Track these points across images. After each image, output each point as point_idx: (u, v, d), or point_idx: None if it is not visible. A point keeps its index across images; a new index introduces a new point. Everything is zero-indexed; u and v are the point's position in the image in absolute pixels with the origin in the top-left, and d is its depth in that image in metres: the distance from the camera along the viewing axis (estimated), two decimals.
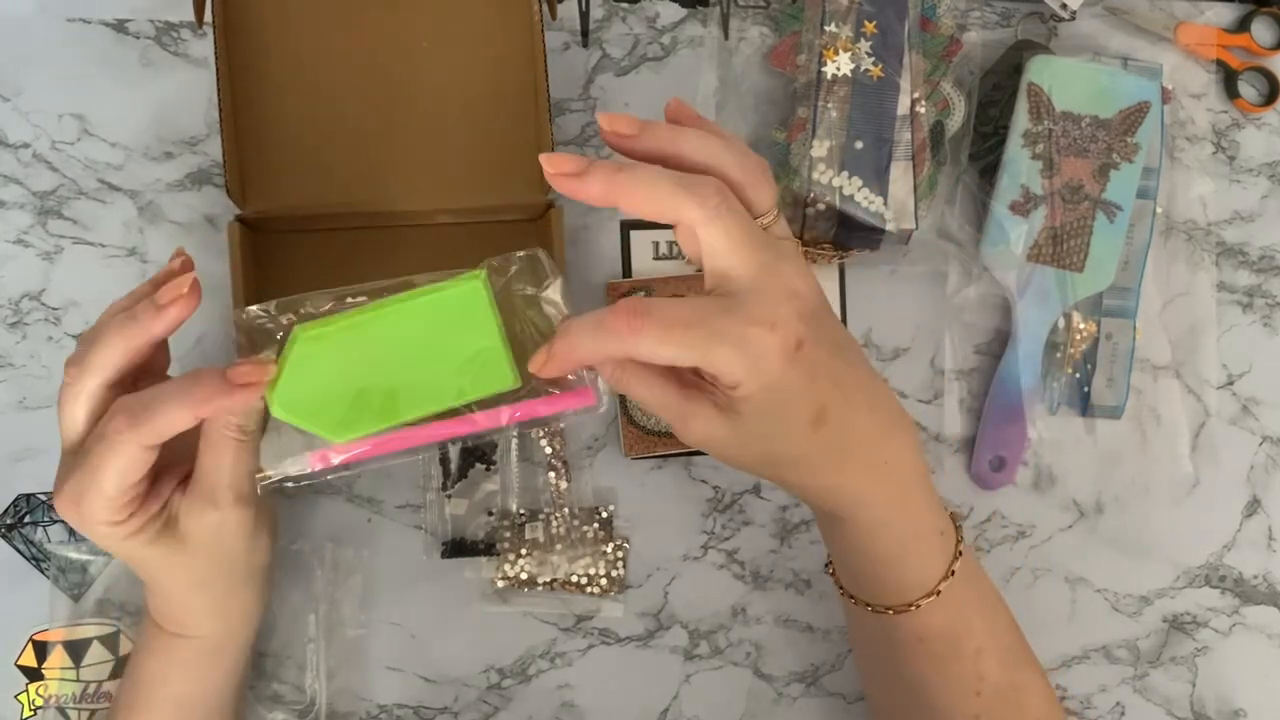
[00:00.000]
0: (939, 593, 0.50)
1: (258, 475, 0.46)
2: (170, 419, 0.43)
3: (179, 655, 0.52)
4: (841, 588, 0.54)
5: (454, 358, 0.45)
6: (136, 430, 0.43)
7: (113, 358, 0.44)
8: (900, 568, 0.50)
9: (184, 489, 0.47)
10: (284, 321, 0.45)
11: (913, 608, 0.50)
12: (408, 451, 0.46)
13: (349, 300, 0.45)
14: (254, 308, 0.45)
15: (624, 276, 0.65)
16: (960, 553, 0.51)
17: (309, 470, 0.45)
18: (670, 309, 0.42)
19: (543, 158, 0.42)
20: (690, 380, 0.45)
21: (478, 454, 0.62)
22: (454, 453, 0.62)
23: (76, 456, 0.45)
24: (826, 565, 0.56)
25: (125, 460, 0.43)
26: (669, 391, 0.45)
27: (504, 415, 0.46)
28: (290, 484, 0.45)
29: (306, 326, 0.44)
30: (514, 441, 0.62)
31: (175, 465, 0.48)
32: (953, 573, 0.50)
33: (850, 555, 0.51)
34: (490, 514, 0.62)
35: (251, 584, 0.53)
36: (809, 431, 0.45)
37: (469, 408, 0.46)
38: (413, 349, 0.45)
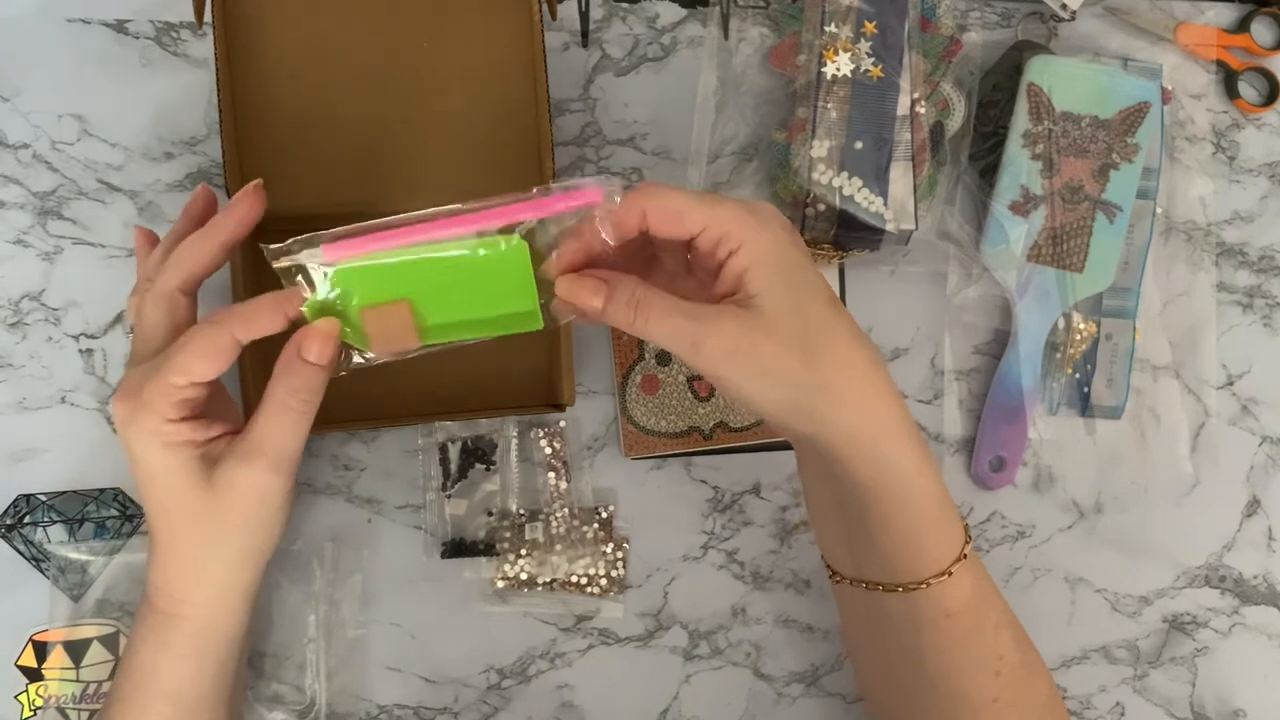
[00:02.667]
0: (965, 557, 0.49)
1: (273, 248, 0.45)
2: (265, 317, 0.46)
3: (169, 640, 0.50)
4: (844, 578, 0.53)
5: (489, 310, 0.46)
6: (231, 317, 0.45)
7: (194, 258, 0.47)
8: (931, 533, 0.49)
9: (232, 439, 0.48)
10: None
11: (946, 575, 0.49)
12: (420, 247, 0.45)
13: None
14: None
15: None
16: (967, 527, 0.50)
17: (323, 260, 0.45)
18: (687, 190, 0.46)
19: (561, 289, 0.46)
20: (701, 303, 0.46)
21: (478, 454, 0.62)
22: (454, 453, 0.62)
23: (150, 362, 0.46)
24: (823, 559, 0.55)
25: (213, 345, 0.45)
26: (683, 315, 0.45)
27: (516, 211, 0.45)
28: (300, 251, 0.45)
29: (341, 263, 0.44)
30: (514, 441, 0.62)
31: (223, 418, 0.49)
32: (969, 540, 0.50)
33: (878, 527, 0.49)
34: (490, 514, 0.62)
35: (252, 565, 0.51)
36: (830, 310, 0.45)
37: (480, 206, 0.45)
38: (448, 294, 0.45)
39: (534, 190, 0.45)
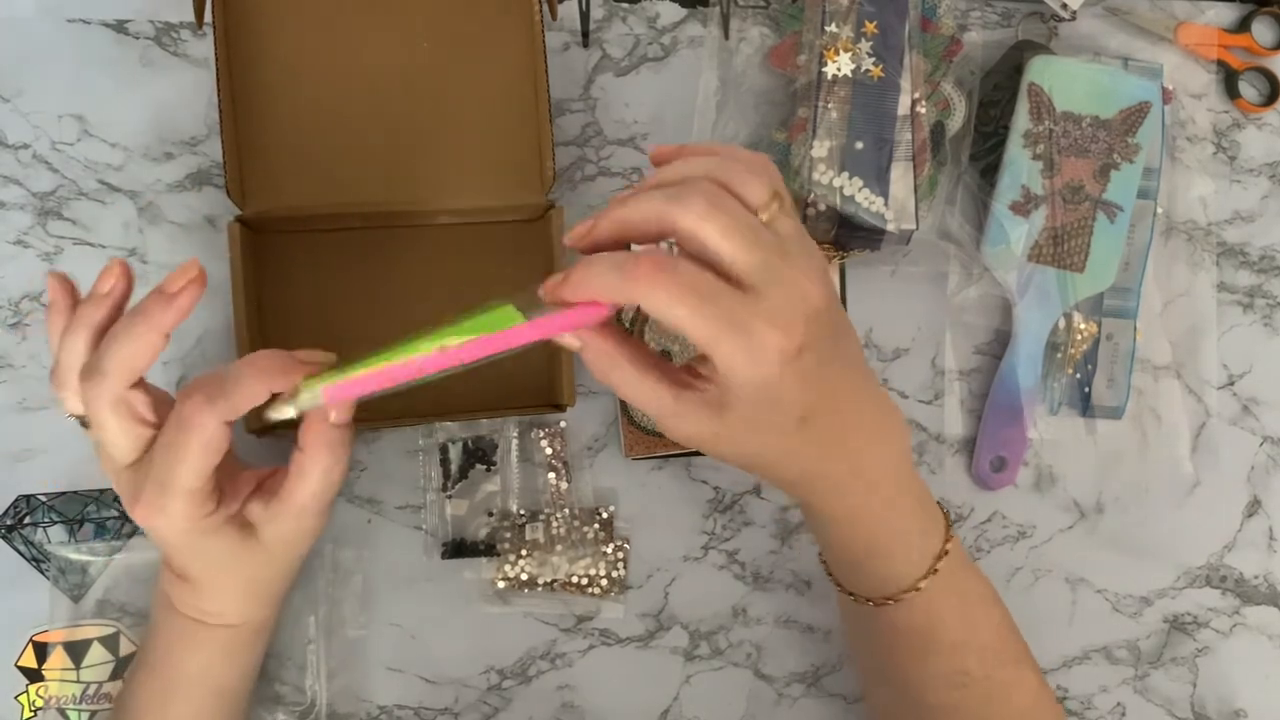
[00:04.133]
0: (918, 589, 0.50)
1: (269, 412, 0.43)
2: (248, 391, 0.44)
3: (223, 644, 0.53)
4: (830, 573, 0.55)
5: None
6: (213, 405, 0.44)
7: (131, 357, 0.44)
8: (878, 563, 0.51)
9: (260, 495, 0.49)
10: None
11: (889, 602, 0.51)
12: (410, 383, 0.44)
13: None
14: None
15: None
16: (946, 551, 0.51)
17: (321, 403, 0.43)
18: (694, 275, 0.40)
19: (566, 239, 0.43)
20: (679, 379, 0.45)
21: (478, 454, 0.62)
22: (454, 453, 0.62)
23: (140, 464, 0.46)
24: (820, 555, 0.57)
25: (207, 438, 0.44)
26: (660, 387, 0.44)
27: (520, 334, 0.42)
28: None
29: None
30: (514, 442, 0.62)
31: (232, 474, 0.50)
32: (935, 571, 0.51)
33: (829, 548, 0.53)
34: (490, 515, 0.62)
35: (292, 576, 0.55)
36: (793, 429, 0.44)
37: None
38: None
39: (534, 311, 0.43)
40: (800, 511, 0.55)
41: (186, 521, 0.46)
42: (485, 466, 0.62)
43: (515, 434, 0.62)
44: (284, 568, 0.53)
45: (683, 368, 0.45)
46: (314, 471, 0.48)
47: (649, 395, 0.44)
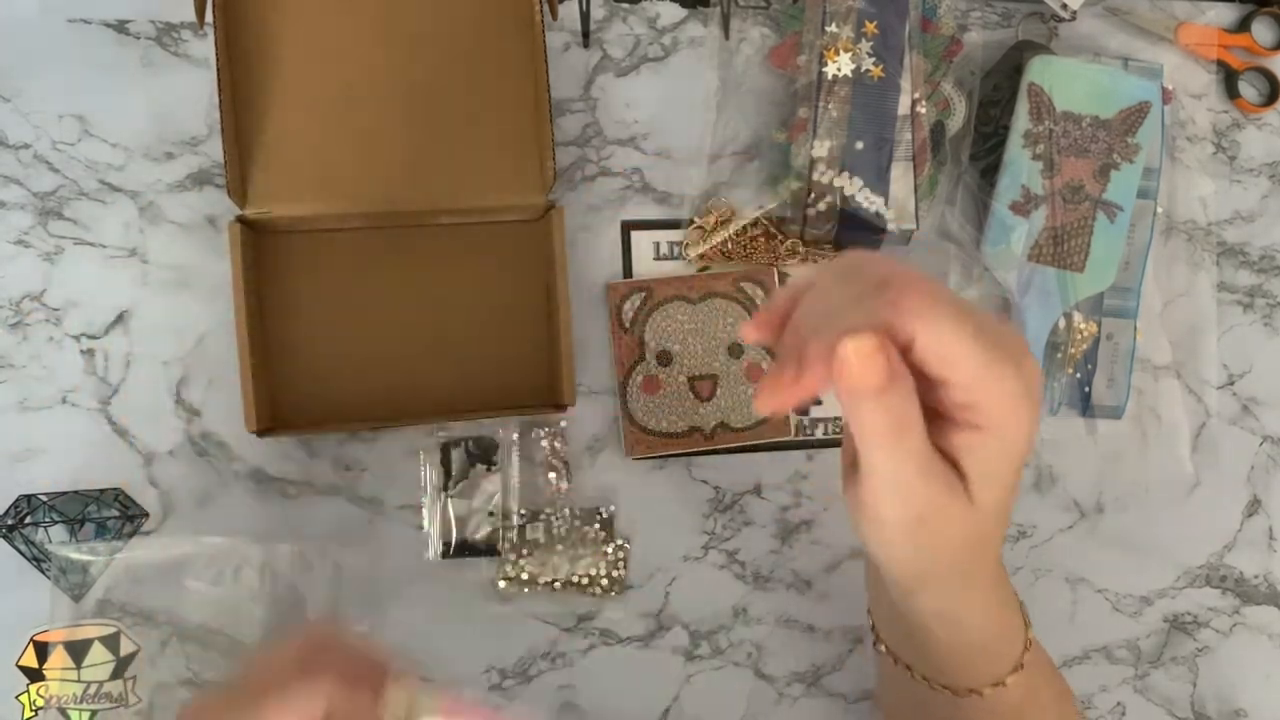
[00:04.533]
0: (1004, 685, 0.48)
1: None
2: None
3: None
4: (889, 651, 0.51)
5: None
6: None
7: None
8: (976, 657, 0.48)
9: None
10: None
11: (973, 695, 0.48)
12: None
13: None
14: None
15: (624, 276, 0.65)
16: (1030, 642, 0.49)
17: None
18: (961, 301, 0.36)
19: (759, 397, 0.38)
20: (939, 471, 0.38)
21: (478, 454, 0.62)
22: (455, 453, 0.62)
23: None
24: (872, 629, 0.53)
25: None
26: (932, 452, 0.37)
27: None
28: None
29: None
30: (515, 442, 0.62)
31: None
32: (1021, 666, 0.48)
33: (923, 640, 0.47)
34: (491, 514, 0.62)
35: None
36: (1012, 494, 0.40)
37: None
38: None
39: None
40: (881, 593, 0.49)
41: None
42: (486, 466, 0.62)
43: (516, 434, 0.62)
44: None
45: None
46: None
47: (921, 454, 0.37)
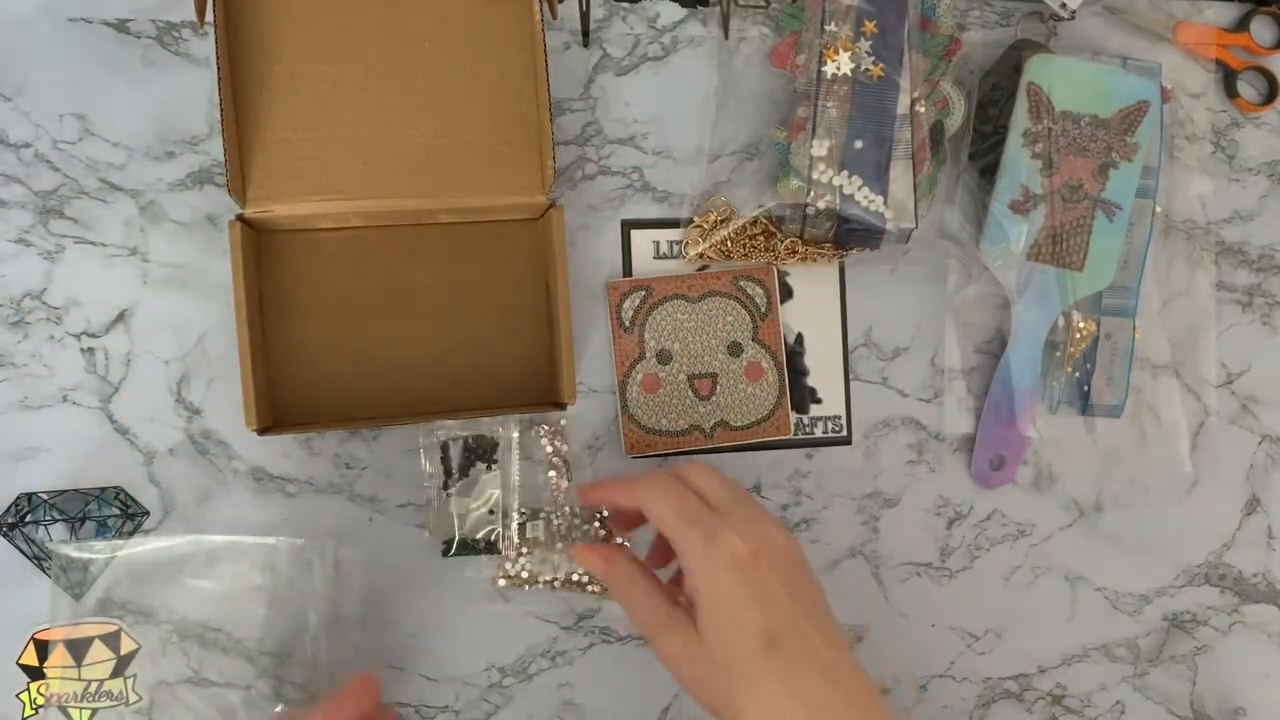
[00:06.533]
0: None
1: None
2: None
3: None
4: None
5: None
6: None
7: None
8: None
9: None
10: None
11: None
12: None
13: None
14: None
15: (624, 276, 0.65)
16: None
17: None
18: (682, 493, 0.51)
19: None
20: (674, 599, 0.51)
21: (479, 452, 0.62)
22: (455, 451, 0.62)
23: None
24: None
25: None
26: (658, 600, 0.51)
27: None
28: None
29: None
30: (515, 440, 0.62)
31: None
32: None
33: None
34: (491, 513, 0.62)
35: None
36: (758, 652, 0.47)
37: None
38: None
39: None
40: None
41: None
42: (486, 464, 0.62)
43: (516, 432, 0.62)
44: None
45: (673, 593, 0.52)
46: None
47: (649, 604, 0.51)
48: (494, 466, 0.62)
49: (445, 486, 0.62)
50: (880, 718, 0.48)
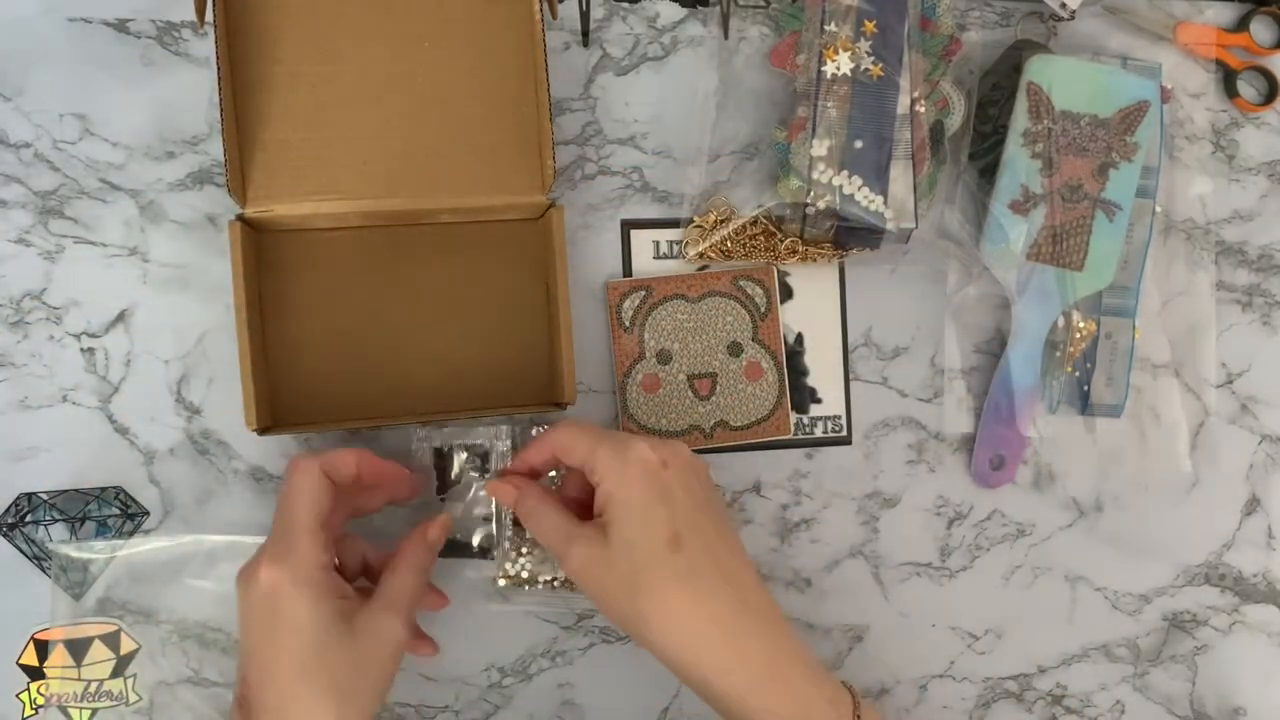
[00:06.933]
0: None
1: None
2: (341, 457, 0.53)
3: None
4: None
5: None
6: (313, 458, 0.52)
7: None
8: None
9: (366, 599, 0.53)
10: None
11: None
12: None
13: None
14: None
15: (624, 275, 0.65)
16: (859, 717, 0.51)
17: None
18: (591, 427, 0.55)
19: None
20: (581, 518, 0.53)
21: (478, 452, 0.62)
22: (454, 451, 0.62)
23: (278, 533, 0.52)
24: None
25: (310, 483, 0.52)
26: (564, 519, 0.53)
27: None
28: None
29: None
30: (515, 440, 0.62)
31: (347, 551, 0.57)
32: None
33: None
34: (486, 520, 0.62)
35: (377, 696, 0.53)
36: (665, 552, 0.50)
37: None
38: None
39: None
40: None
41: (310, 560, 0.50)
42: (486, 464, 0.62)
43: (516, 432, 0.62)
44: (369, 681, 0.51)
45: (580, 505, 0.55)
46: (411, 571, 0.55)
47: (555, 524, 0.53)
48: (487, 475, 0.62)
49: (444, 486, 0.62)
50: (779, 628, 0.51)
